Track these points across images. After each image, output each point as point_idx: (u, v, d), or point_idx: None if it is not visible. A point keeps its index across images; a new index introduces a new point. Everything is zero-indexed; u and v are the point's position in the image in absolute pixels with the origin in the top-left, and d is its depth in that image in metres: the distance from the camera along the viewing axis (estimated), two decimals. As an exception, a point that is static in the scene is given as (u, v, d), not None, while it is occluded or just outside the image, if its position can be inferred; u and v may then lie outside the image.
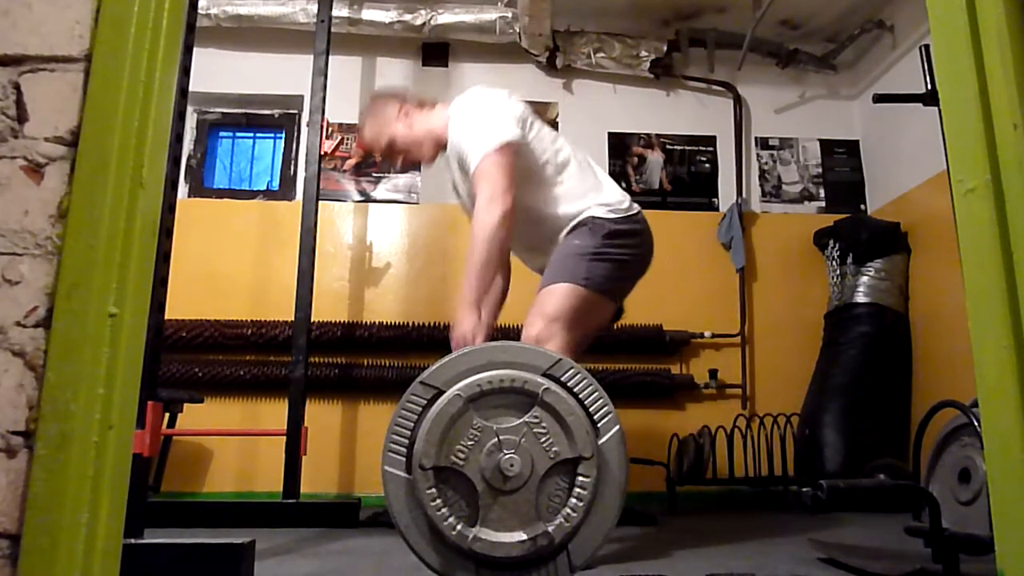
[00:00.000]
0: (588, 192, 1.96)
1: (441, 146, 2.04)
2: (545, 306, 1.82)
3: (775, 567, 1.67)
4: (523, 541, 1.22)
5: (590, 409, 1.29)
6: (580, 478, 1.25)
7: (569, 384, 1.30)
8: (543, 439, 1.26)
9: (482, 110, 1.93)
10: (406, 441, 1.28)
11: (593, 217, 1.92)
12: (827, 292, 3.67)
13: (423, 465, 1.24)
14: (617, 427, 1.30)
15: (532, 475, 1.24)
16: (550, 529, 1.23)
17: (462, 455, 1.26)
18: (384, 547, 2.04)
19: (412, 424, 1.28)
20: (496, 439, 1.25)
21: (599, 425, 1.29)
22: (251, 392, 3.40)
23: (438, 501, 1.23)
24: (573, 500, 1.25)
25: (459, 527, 1.22)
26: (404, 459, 1.28)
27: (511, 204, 1.78)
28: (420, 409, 1.29)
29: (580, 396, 1.30)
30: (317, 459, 3.21)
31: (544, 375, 1.29)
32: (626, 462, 1.31)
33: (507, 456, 1.23)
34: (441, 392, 1.28)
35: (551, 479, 1.26)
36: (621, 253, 1.91)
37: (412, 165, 2.10)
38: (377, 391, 3.45)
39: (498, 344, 1.35)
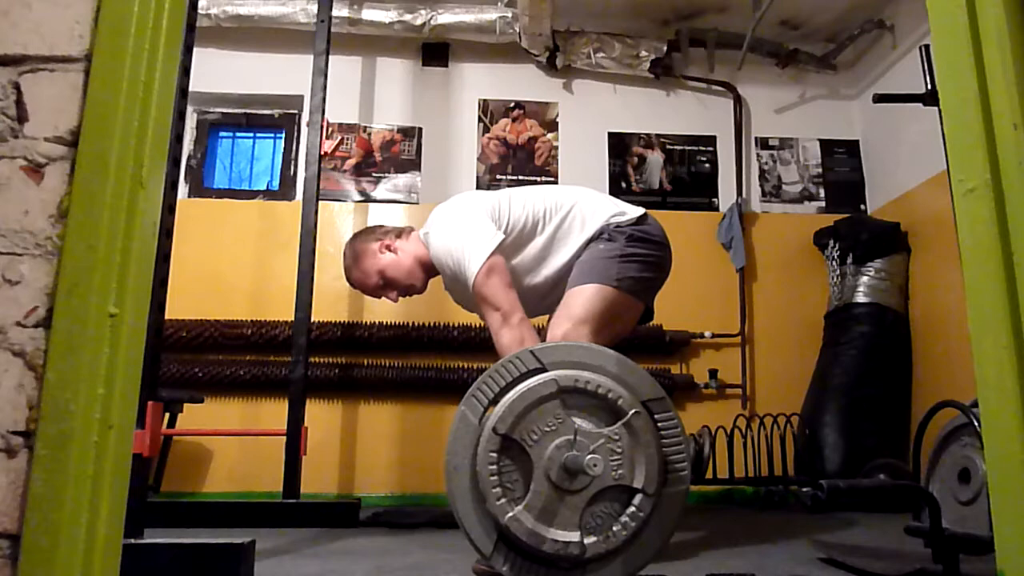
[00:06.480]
0: (595, 212, 1.96)
1: (430, 269, 2.04)
2: (574, 307, 1.82)
3: (775, 567, 1.67)
4: (556, 541, 1.21)
5: (668, 456, 1.29)
6: (632, 509, 1.24)
7: (659, 423, 1.29)
8: (614, 458, 1.25)
9: (456, 228, 1.91)
10: (492, 395, 1.29)
11: (610, 225, 1.93)
12: (827, 292, 3.67)
13: (496, 429, 1.24)
14: (685, 486, 1.29)
15: (591, 486, 1.24)
16: (587, 542, 1.22)
17: (535, 436, 1.25)
18: (384, 547, 2.04)
19: (504, 384, 1.29)
20: (573, 436, 1.25)
21: (669, 474, 1.29)
22: (251, 392, 3.40)
23: (494, 466, 1.23)
24: (617, 527, 1.23)
25: (503, 500, 1.22)
26: (482, 409, 1.29)
27: (520, 313, 1.80)
28: (519, 375, 1.30)
29: (664, 438, 1.29)
30: (317, 459, 3.21)
31: (643, 403, 1.29)
32: (675, 523, 1.29)
33: (590, 456, 1.22)
34: (543, 371, 1.29)
35: (603, 500, 1.26)
36: (647, 255, 1.92)
37: (407, 292, 2.10)
38: (377, 391, 3.45)
39: (618, 355, 1.34)
